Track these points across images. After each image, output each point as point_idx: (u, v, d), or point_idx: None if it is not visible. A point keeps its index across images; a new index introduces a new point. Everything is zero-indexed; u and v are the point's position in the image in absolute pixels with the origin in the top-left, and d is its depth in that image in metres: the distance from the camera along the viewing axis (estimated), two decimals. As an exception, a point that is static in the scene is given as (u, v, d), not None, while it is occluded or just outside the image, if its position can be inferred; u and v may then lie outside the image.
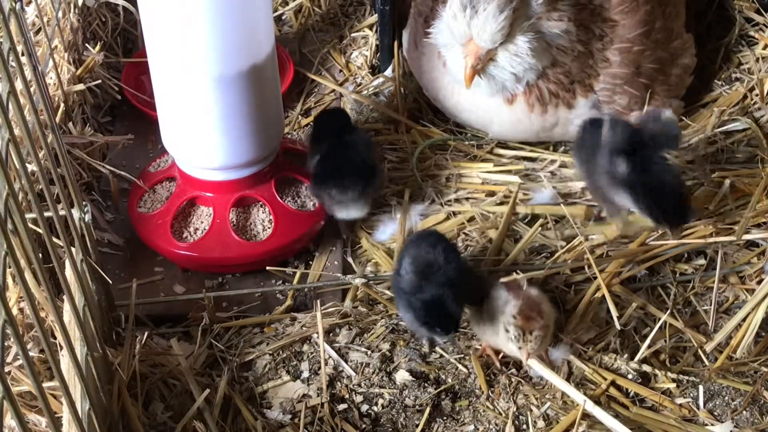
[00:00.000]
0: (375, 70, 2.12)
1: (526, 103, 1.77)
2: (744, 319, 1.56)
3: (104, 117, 1.98)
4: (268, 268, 1.69)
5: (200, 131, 1.64)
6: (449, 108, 1.88)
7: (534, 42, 1.69)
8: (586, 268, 1.61)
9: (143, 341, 1.52)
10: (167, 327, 1.63)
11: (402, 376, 1.53)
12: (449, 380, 1.53)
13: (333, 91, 2.07)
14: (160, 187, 1.77)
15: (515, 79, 1.73)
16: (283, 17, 2.26)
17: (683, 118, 1.93)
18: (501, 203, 1.78)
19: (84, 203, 1.42)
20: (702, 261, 1.68)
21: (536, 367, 1.51)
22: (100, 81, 1.92)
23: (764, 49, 2.03)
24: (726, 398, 1.50)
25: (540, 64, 1.73)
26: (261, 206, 1.73)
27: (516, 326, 1.44)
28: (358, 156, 1.70)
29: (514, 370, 1.54)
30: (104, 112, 1.99)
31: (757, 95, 1.95)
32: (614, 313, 1.51)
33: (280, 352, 1.58)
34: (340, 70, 2.14)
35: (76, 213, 1.37)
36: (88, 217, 1.41)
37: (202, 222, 1.72)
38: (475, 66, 1.68)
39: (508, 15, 1.64)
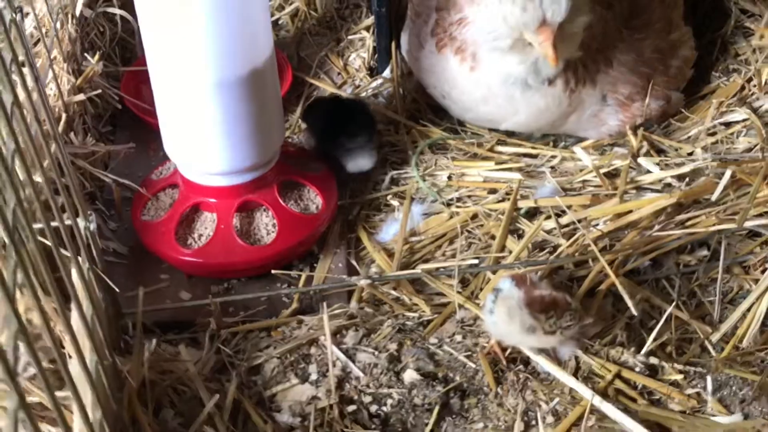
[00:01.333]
0: (373, 71, 2.13)
1: (564, 82, 1.76)
2: (749, 309, 1.57)
3: (105, 126, 1.99)
4: (273, 271, 1.69)
5: (202, 137, 1.64)
6: (465, 103, 1.86)
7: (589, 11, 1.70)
8: (590, 261, 1.62)
9: (151, 348, 1.52)
10: (174, 333, 1.63)
11: (410, 375, 1.54)
12: (457, 378, 1.53)
13: (332, 93, 2.07)
14: (163, 195, 1.78)
15: (573, 52, 1.73)
16: (280, 22, 2.26)
17: (683, 110, 1.94)
18: (503, 200, 1.78)
19: (89, 212, 1.43)
20: (705, 252, 1.68)
21: (543, 363, 1.52)
22: (99, 91, 1.92)
23: (761, 39, 2.03)
24: (734, 388, 1.50)
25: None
26: (264, 210, 1.74)
27: (547, 318, 1.44)
28: (358, 107, 1.88)
29: (521, 367, 1.54)
30: (105, 121, 1.99)
31: (754, 85, 1.95)
32: (628, 300, 1.51)
33: (288, 356, 1.58)
34: (338, 73, 2.15)
35: (81, 222, 1.38)
36: (93, 226, 1.41)
37: (206, 228, 1.73)
38: (556, 43, 1.64)
39: None
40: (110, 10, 2.07)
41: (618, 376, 1.52)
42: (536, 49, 1.67)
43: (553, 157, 1.87)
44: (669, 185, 1.78)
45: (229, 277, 1.73)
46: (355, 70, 2.14)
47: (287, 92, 2.04)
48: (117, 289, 1.52)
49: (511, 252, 1.68)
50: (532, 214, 1.77)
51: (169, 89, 1.62)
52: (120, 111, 2.01)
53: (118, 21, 2.10)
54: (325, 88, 2.09)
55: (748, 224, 1.64)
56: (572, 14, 1.65)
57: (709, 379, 1.51)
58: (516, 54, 1.72)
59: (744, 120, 1.89)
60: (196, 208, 1.74)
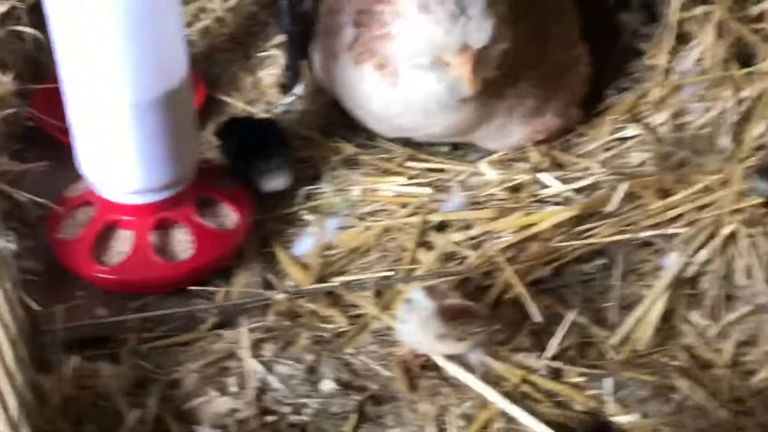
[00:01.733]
0: (284, 88, 2.17)
1: (478, 99, 1.82)
2: (644, 314, 1.67)
3: (18, 144, 1.98)
4: (190, 287, 1.72)
5: (117, 157, 1.67)
6: (381, 115, 1.91)
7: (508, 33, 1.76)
8: (497, 271, 1.70)
9: (72, 365, 1.54)
10: (93, 350, 1.64)
11: (327, 385, 1.59)
12: (373, 386, 1.59)
13: (243, 110, 2.11)
14: (78, 212, 1.79)
15: (489, 74, 1.78)
16: (190, 38, 2.29)
17: (581, 126, 2.04)
18: (413, 214, 1.85)
19: (6, 232, 1.44)
20: (603, 261, 1.78)
21: (454, 369, 1.59)
22: (12, 110, 1.93)
23: (650, 59, 2.15)
24: (632, 389, 1.60)
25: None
26: (181, 227, 1.77)
27: (457, 325, 1.51)
28: (272, 128, 1.92)
29: (434, 373, 1.61)
30: (18, 139, 1.99)
31: (646, 103, 2.07)
32: (531, 309, 1.59)
33: (207, 369, 1.62)
34: (250, 90, 2.18)
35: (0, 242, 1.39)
36: (12, 246, 1.43)
37: (122, 245, 1.75)
38: (474, 68, 1.70)
39: (494, 11, 1.70)
40: (20, 28, 2.07)
41: (524, 380, 1.60)
42: (454, 71, 1.73)
43: (461, 172, 1.95)
44: (569, 198, 1.87)
45: (147, 294, 1.75)
46: (266, 87, 2.18)
47: (199, 109, 2.06)
48: (35, 307, 1.53)
49: (422, 264, 1.75)
50: (442, 227, 1.84)
51: (83, 110, 1.65)
52: (32, 129, 2.01)
53: (30, 39, 2.10)
54: (237, 104, 2.12)
55: (642, 235, 1.75)
56: (493, 41, 1.72)
57: (608, 381, 1.60)
58: (436, 72, 1.77)
59: (637, 135, 1.99)
60: (113, 226, 1.76)
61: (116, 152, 1.66)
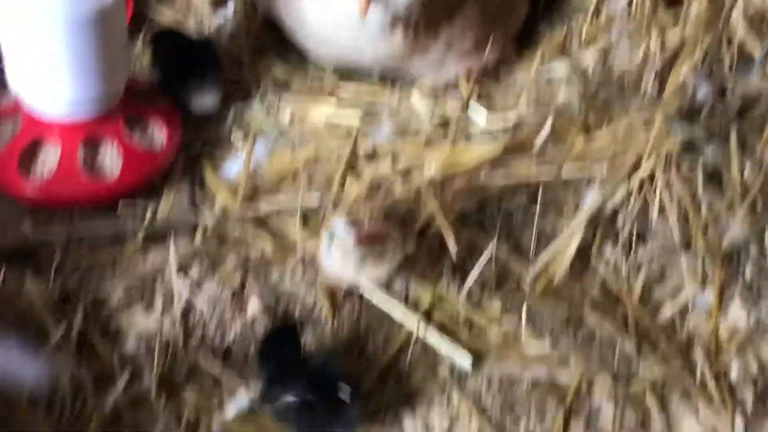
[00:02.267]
0: (216, 6, 2.14)
1: (404, 35, 1.85)
2: (561, 248, 1.74)
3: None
4: (119, 205, 1.72)
5: (47, 73, 1.65)
6: (317, 38, 1.93)
7: None
8: (423, 203, 1.73)
9: (-2, 278, 1.55)
10: (18, 264, 1.64)
11: (252, 308, 1.63)
12: (297, 311, 1.63)
13: (176, 28, 2.08)
14: (5, 126, 1.77)
15: (405, 7, 1.81)
16: (121, -51, 2.23)
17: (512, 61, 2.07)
18: (342, 141, 1.87)
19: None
20: (525, 196, 1.83)
21: (376, 295, 1.64)
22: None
23: (581, -3, 2.18)
24: (545, 320, 1.67)
25: None
26: (109, 145, 1.76)
27: (373, 246, 1.56)
28: (204, 45, 1.92)
29: (356, 299, 1.66)
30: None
31: (575, 41, 2.10)
32: (450, 242, 1.64)
33: (133, 288, 1.64)
34: (180, 6, 2.14)
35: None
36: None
37: (50, 160, 1.74)
38: None
39: None
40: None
41: (443, 308, 1.66)
42: None
43: (392, 100, 1.97)
44: (495, 133, 1.90)
45: (73, 209, 1.74)
46: (197, 3, 2.15)
47: (128, 24, 2.03)
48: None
49: (349, 193, 1.78)
50: (371, 156, 1.86)
51: (14, 25, 1.61)
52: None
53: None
54: (167, 20, 2.09)
55: (564, 172, 1.80)
56: None
57: (523, 311, 1.66)
58: None
59: (564, 73, 2.03)
60: (40, 141, 1.75)
61: (47, 68, 1.64)
